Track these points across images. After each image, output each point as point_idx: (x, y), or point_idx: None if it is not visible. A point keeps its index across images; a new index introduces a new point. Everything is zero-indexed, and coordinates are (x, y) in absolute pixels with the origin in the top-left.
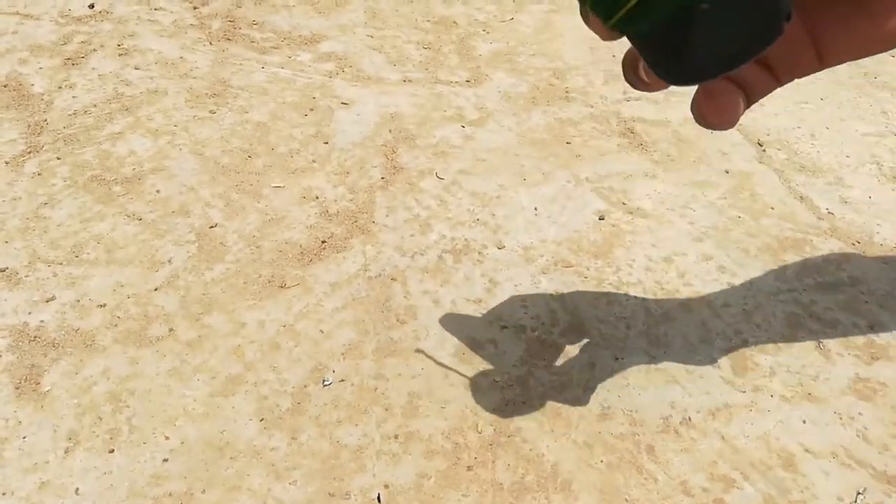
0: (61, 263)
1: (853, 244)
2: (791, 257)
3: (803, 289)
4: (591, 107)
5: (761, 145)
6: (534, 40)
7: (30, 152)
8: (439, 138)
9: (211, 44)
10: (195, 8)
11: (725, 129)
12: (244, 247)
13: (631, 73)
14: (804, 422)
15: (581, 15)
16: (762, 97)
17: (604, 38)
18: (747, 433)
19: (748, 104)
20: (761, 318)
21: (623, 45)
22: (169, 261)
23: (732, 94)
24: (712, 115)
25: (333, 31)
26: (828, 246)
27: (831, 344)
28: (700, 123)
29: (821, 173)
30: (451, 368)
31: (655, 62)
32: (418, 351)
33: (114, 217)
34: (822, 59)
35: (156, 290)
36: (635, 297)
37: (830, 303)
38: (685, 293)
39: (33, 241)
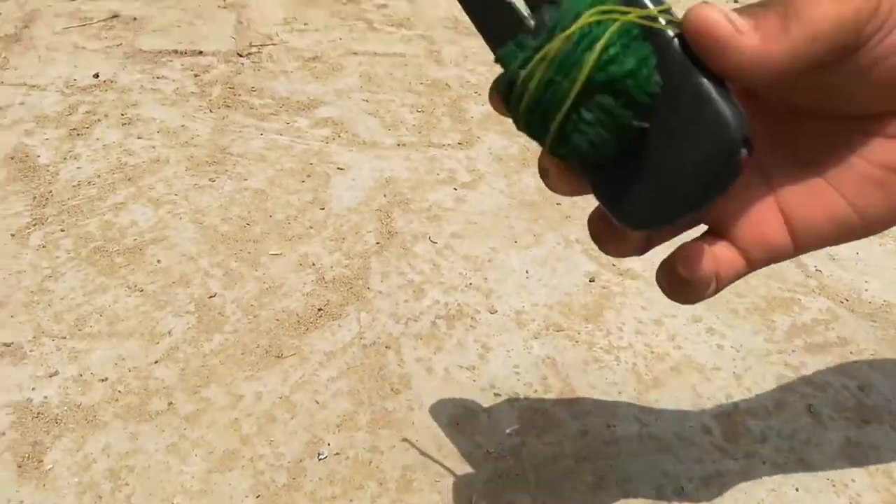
0: (65, 337)
1: (842, 302)
2: (780, 317)
3: (793, 350)
4: None
5: None
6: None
7: (35, 224)
8: (432, 202)
9: (211, 111)
10: (196, 75)
11: (695, 295)
12: (242, 316)
13: (599, 225)
14: (797, 489)
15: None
16: (730, 282)
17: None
18: (740, 503)
19: (717, 285)
20: (751, 381)
21: None
22: (169, 332)
23: (708, 257)
24: (684, 267)
25: (330, 95)
26: (816, 305)
27: (822, 407)
28: (666, 287)
29: None
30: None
31: (602, 197)
32: (405, 440)
33: (116, 289)
34: (796, 244)
35: (156, 362)
36: (626, 361)
37: (820, 364)
38: (675, 356)
39: (38, 315)
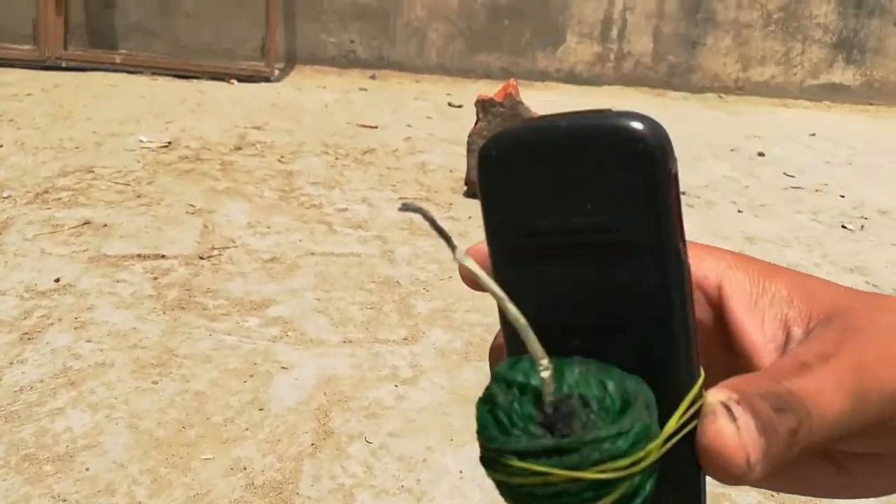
0: None
1: (772, 496)
2: None
3: None
4: None
5: None
6: (470, 296)
7: None
8: (372, 399)
9: (165, 313)
10: (155, 278)
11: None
12: None
13: None
14: None
15: None
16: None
17: None
18: None
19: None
20: None
21: None
22: None
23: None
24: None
25: (284, 295)
26: (747, 500)
27: None
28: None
29: None
30: None
31: None
32: None
33: (39, 499)
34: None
35: None
36: None
37: None
38: None
39: None
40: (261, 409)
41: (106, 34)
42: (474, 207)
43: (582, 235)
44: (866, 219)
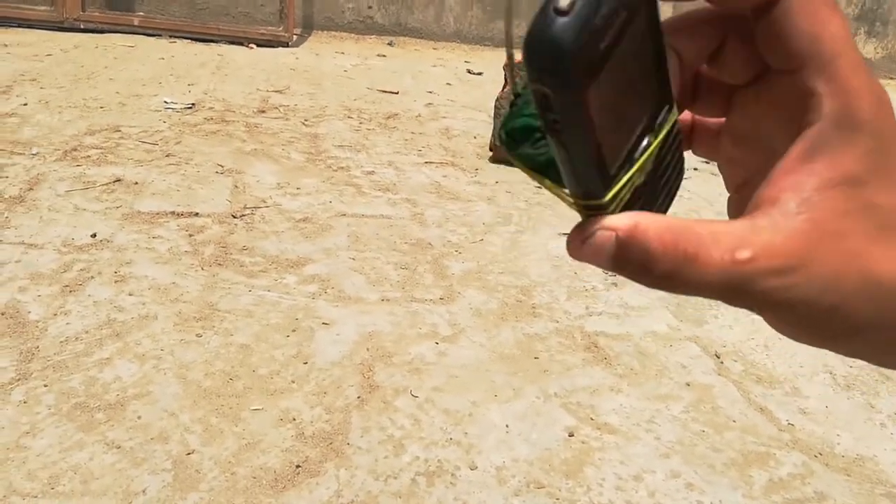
0: (36, 496)
1: (816, 456)
2: (756, 472)
3: None
4: (557, 322)
5: (718, 357)
6: (502, 259)
7: (18, 380)
8: (414, 355)
9: (203, 269)
10: (190, 235)
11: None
12: (219, 474)
13: None
14: None
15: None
16: None
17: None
18: None
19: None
20: None
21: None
22: (143, 491)
23: None
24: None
25: (318, 254)
26: (791, 459)
27: None
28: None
29: (777, 384)
30: None
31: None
32: None
33: (93, 445)
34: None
35: None
36: None
37: None
38: None
39: (10, 473)
40: (305, 363)
41: None
42: (501, 173)
43: None
44: None
